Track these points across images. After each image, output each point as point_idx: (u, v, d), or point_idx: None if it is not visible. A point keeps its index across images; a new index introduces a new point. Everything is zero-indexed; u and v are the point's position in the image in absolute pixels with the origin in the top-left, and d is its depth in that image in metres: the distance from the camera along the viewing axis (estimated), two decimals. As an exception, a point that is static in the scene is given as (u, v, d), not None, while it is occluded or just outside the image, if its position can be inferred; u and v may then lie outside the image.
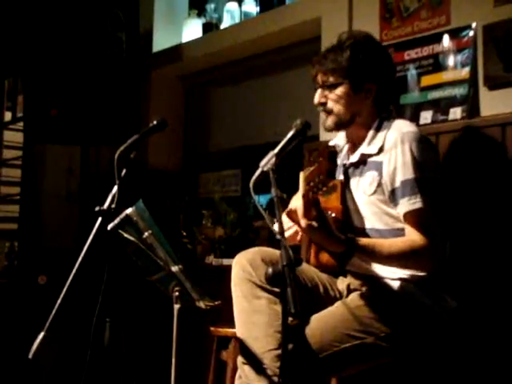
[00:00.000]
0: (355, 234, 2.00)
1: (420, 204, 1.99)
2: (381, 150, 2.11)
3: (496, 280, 2.37)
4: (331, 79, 2.16)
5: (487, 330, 2.34)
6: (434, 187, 2.04)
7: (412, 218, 2.01)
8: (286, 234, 1.99)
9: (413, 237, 1.99)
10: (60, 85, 4.09)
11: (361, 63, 2.15)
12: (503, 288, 2.35)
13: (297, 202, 1.92)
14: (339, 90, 2.16)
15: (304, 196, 1.87)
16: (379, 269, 2.09)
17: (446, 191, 2.11)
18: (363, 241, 1.98)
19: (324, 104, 2.19)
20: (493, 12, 2.59)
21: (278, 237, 1.60)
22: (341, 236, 1.92)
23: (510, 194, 2.39)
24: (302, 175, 1.90)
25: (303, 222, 1.86)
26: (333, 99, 2.17)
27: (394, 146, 2.06)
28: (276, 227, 1.65)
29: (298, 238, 2.12)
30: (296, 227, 2.09)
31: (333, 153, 2.28)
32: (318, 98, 2.20)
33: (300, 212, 1.87)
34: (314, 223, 1.86)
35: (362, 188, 2.14)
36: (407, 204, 2.01)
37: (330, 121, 2.18)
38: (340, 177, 2.24)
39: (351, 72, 2.14)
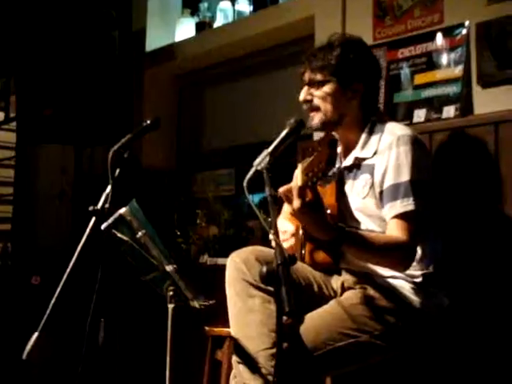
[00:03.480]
0: None
1: (412, 206, 1.99)
2: (375, 153, 2.11)
3: (488, 277, 2.37)
4: (319, 76, 2.16)
5: (480, 328, 2.34)
6: (427, 189, 2.05)
7: (401, 218, 1.99)
8: (284, 245, 1.99)
9: (395, 233, 1.99)
10: (53, 84, 4.07)
11: (350, 62, 2.15)
12: (496, 285, 2.36)
13: (294, 183, 1.86)
14: (326, 88, 2.15)
15: (302, 187, 1.82)
16: (373, 266, 2.09)
17: (437, 192, 2.12)
18: (352, 229, 1.98)
19: (310, 101, 2.18)
20: (486, 10, 2.59)
21: (272, 237, 1.59)
22: (331, 223, 1.88)
23: (502, 193, 2.39)
24: (299, 166, 1.85)
25: (297, 202, 1.80)
26: (319, 96, 2.16)
27: (388, 148, 2.06)
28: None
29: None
30: (291, 240, 2.10)
31: (333, 141, 2.23)
32: (303, 95, 2.19)
33: (295, 191, 1.81)
34: (308, 205, 1.81)
35: (356, 191, 2.14)
36: (399, 206, 2.00)
37: (317, 119, 2.17)
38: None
39: (339, 70, 2.14)
